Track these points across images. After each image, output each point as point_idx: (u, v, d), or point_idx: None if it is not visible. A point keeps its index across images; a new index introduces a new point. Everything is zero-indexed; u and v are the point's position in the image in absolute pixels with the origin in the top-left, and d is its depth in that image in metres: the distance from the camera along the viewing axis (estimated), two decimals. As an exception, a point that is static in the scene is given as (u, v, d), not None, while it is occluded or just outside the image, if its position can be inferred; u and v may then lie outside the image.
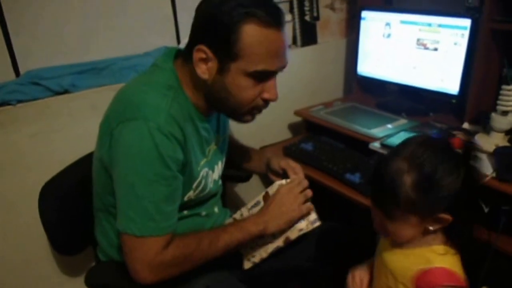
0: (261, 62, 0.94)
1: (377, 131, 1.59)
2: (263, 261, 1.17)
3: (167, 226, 0.97)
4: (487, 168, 1.29)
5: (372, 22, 1.84)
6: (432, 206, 0.84)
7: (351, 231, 1.32)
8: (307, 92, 2.05)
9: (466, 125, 1.56)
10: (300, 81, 2.01)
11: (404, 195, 0.83)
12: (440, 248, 0.89)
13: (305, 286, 1.25)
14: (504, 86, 1.33)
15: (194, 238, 1.02)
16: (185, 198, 1.07)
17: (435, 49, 1.63)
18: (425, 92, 1.72)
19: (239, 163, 1.42)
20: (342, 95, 2.19)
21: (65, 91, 1.38)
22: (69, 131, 1.40)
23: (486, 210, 1.17)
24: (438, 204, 0.84)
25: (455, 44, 1.56)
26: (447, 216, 0.85)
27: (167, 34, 1.60)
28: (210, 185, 1.14)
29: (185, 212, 1.13)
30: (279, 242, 1.14)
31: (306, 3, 1.94)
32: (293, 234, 1.14)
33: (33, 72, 1.34)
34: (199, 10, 0.98)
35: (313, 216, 1.15)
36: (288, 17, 1.93)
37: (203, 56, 0.95)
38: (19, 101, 1.31)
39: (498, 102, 1.35)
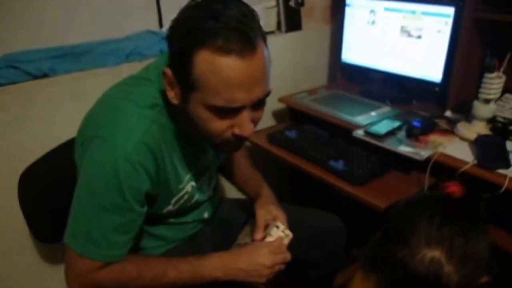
0: (217, 95, 0.79)
1: (361, 119, 1.60)
2: None
3: (110, 255, 0.93)
4: (468, 156, 1.31)
5: (357, 9, 1.83)
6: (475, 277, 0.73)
7: (336, 220, 1.32)
8: (291, 79, 2.04)
9: (448, 113, 1.57)
10: (284, 67, 2.00)
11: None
12: None
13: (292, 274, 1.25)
14: (486, 74, 1.34)
15: (138, 267, 0.96)
16: (164, 211, 1.05)
17: (419, 37, 1.63)
18: (408, 80, 1.72)
19: (236, 183, 1.35)
20: (326, 83, 2.18)
21: (44, 75, 1.34)
22: (47, 117, 1.37)
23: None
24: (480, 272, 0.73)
25: (439, 32, 1.57)
26: (486, 278, 0.74)
27: (149, 18, 1.56)
28: (196, 196, 1.11)
29: (172, 219, 1.12)
30: None
31: (291, -11, 1.92)
32: None
33: (11, 55, 1.29)
34: (170, 25, 0.84)
35: None
36: (272, 2, 1.91)
37: (168, 80, 0.86)
38: (-4, 85, 1.26)
39: (480, 90, 1.36)
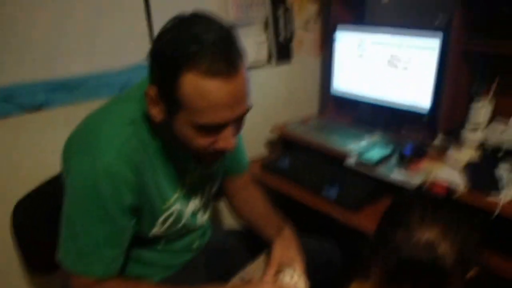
0: (203, 115, 0.83)
1: (352, 147, 1.62)
2: None
3: (101, 270, 0.94)
4: (459, 182, 1.32)
5: (345, 42, 1.88)
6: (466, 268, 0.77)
7: (331, 248, 1.32)
8: (283, 109, 2.07)
9: (438, 140, 1.60)
10: (276, 98, 2.04)
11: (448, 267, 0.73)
12: None
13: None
14: (474, 102, 1.38)
15: None
16: (150, 235, 1.04)
17: (406, 68, 1.68)
18: (398, 108, 1.76)
19: (254, 224, 1.24)
20: (317, 112, 2.22)
21: (38, 108, 1.35)
22: (42, 148, 1.37)
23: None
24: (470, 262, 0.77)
25: (426, 61, 1.61)
26: (475, 271, 0.78)
27: (143, 52, 1.58)
28: (185, 220, 1.10)
29: (159, 247, 1.11)
30: None
31: (281, 23, 1.98)
32: None
33: (4, 88, 1.30)
34: (152, 45, 0.87)
35: None
36: (263, 36, 1.96)
37: (151, 98, 0.87)
38: (-10, 118, 1.27)
39: (468, 117, 1.39)
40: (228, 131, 0.88)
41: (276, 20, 1.96)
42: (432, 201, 0.81)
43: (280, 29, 1.98)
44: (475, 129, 1.39)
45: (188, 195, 1.09)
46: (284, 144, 1.90)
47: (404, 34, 1.66)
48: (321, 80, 2.18)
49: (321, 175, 1.55)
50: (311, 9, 2.07)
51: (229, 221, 1.88)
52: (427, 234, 0.73)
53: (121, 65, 1.53)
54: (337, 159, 1.57)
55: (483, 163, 1.37)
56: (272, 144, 2.05)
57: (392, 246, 0.76)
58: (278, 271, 1.06)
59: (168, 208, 1.03)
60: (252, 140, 1.99)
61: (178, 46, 0.81)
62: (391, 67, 1.72)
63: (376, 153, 1.52)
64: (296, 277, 1.04)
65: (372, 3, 2.00)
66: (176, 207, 1.05)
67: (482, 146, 1.42)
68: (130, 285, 0.99)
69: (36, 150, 1.36)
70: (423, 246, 0.73)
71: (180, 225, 1.09)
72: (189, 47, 0.79)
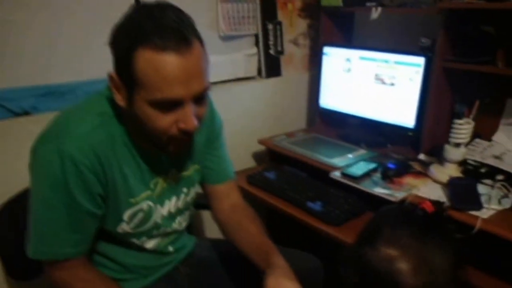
0: (158, 90, 0.85)
1: (338, 161, 1.64)
2: None
3: (62, 253, 0.96)
4: (441, 198, 1.35)
5: (334, 57, 1.92)
6: None
7: (314, 259, 1.33)
8: (271, 122, 2.09)
9: (422, 156, 1.63)
10: (264, 111, 2.06)
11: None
12: None
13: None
14: (455, 120, 1.41)
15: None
16: (119, 230, 1.03)
17: (392, 84, 1.71)
18: (383, 125, 1.79)
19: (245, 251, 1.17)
20: (305, 126, 2.24)
21: (26, 113, 1.35)
22: (28, 154, 1.36)
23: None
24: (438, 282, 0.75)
25: (411, 80, 1.65)
26: None
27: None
28: (157, 220, 1.09)
29: (133, 247, 1.10)
30: None
31: (271, 38, 2.01)
32: None
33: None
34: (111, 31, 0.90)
35: None
36: (253, 50, 1.99)
37: (114, 84, 0.90)
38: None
39: (451, 135, 1.42)
40: (186, 110, 0.89)
41: (266, 34, 1.99)
42: (407, 217, 0.80)
43: (271, 44, 2.02)
44: (457, 146, 1.42)
45: (162, 196, 1.09)
46: (271, 156, 1.91)
47: (391, 51, 1.70)
48: (309, 95, 2.22)
49: (306, 189, 1.56)
50: (301, 25, 2.11)
51: (213, 231, 1.88)
52: (389, 250, 0.74)
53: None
54: (322, 173, 1.58)
55: (465, 180, 1.40)
56: (258, 156, 2.07)
57: (360, 260, 0.77)
58: None
59: (136, 203, 1.03)
60: (240, 152, 2.00)
61: (133, 24, 0.85)
62: (377, 83, 1.76)
63: (361, 167, 1.54)
64: None
65: (361, 22, 2.05)
66: (147, 204, 1.05)
67: (464, 162, 1.45)
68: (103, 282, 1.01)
69: (24, 153, 1.36)
70: (383, 259, 0.74)
71: (150, 223, 1.07)
72: (144, 25, 0.83)
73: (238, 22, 1.89)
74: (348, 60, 1.85)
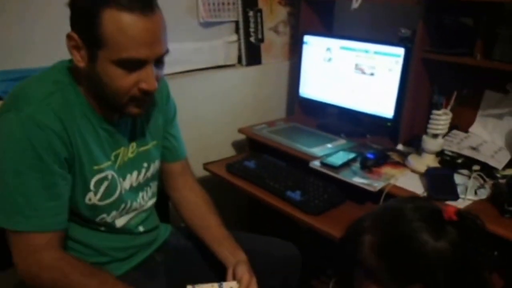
0: (124, 49, 0.87)
1: (317, 150, 1.64)
2: None
3: (40, 224, 0.93)
4: (419, 188, 1.36)
5: (314, 46, 1.91)
6: (396, 274, 0.74)
7: (292, 247, 1.33)
8: (250, 111, 2.07)
9: (400, 147, 1.64)
10: (244, 99, 2.04)
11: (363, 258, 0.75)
12: None
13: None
14: (434, 111, 1.43)
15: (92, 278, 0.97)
16: (87, 201, 1.02)
17: (372, 74, 1.72)
18: (362, 115, 1.80)
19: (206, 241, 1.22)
20: (284, 115, 2.23)
21: (-3, 98, 1.30)
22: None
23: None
24: (408, 273, 0.74)
25: (390, 70, 1.66)
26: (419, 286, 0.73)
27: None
28: (122, 192, 1.08)
29: (102, 228, 1.09)
30: None
31: (251, 25, 1.98)
32: None
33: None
34: None
35: None
36: (233, 37, 1.96)
37: (74, 43, 0.90)
38: None
39: (429, 125, 1.44)
40: (148, 71, 0.92)
41: (247, 21, 1.96)
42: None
43: (251, 31, 1.99)
44: (434, 137, 1.43)
45: (124, 169, 1.09)
46: (251, 145, 1.90)
47: (371, 41, 1.71)
48: (289, 83, 2.20)
49: (285, 178, 1.55)
50: (282, 13, 2.09)
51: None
52: (367, 222, 0.78)
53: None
54: (302, 162, 1.58)
55: (442, 170, 1.42)
56: (239, 145, 2.05)
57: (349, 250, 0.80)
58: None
59: (101, 171, 1.02)
60: (219, 140, 1.98)
61: None
62: (357, 73, 1.76)
63: (340, 157, 1.54)
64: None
65: (341, 11, 2.04)
66: (110, 173, 1.04)
67: (441, 153, 1.47)
68: (86, 269, 0.98)
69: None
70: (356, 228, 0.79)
71: (115, 195, 1.07)
72: None
73: (218, 8, 1.86)
74: (328, 49, 1.85)
